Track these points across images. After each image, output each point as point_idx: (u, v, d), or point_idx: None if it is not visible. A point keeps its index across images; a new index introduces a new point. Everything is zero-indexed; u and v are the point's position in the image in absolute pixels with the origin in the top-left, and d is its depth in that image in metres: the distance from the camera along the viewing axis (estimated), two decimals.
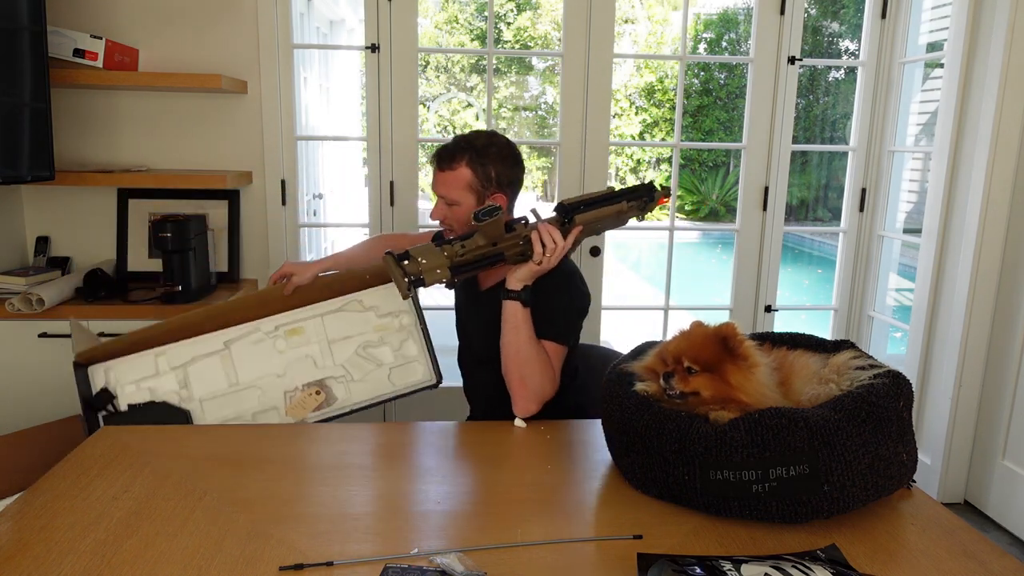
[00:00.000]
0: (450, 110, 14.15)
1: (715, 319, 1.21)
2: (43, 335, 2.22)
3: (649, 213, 1.57)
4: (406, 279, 1.34)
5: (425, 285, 1.36)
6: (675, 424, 1.08)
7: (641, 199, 1.52)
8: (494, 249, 1.40)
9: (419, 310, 1.82)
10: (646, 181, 1.55)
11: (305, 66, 3.32)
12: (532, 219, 1.47)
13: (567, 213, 1.44)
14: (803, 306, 7.53)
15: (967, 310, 2.48)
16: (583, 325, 1.67)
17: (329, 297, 1.82)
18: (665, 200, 1.57)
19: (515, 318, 1.46)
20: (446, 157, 1.58)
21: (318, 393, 1.69)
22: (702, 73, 14.01)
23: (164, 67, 2.56)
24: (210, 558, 0.96)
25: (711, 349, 1.14)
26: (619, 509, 1.11)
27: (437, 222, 1.65)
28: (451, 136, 1.67)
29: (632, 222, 1.58)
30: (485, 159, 1.58)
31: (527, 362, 1.47)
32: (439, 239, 1.44)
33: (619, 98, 13.70)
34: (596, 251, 2.89)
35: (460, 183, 1.57)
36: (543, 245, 1.41)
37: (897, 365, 1.26)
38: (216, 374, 1.70)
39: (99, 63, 2.33)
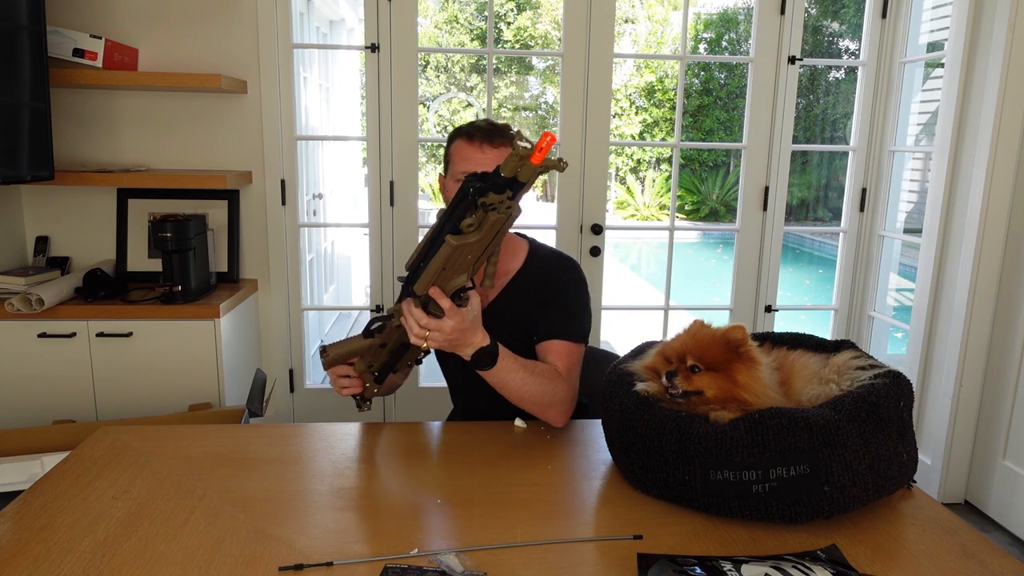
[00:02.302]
0: (450, 110, 14.16)
1: (715, 319, 1.20)
2: (42, 335, 2.23)
3: (535, 174, 1.06)
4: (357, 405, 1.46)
5: (366, 398, 1.45)
6: (675, 424, 1.08)
7: (471, 200, 1.10)
8: (386, 349, 1.35)
9: None
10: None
11: (305, 66, 3.32)
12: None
13: (409, 285, 1.22)
14: (803, 306, 7.53)
15: (967, 310, 2.48)
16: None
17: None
18: (537, 154, 1.02)
19: (494, 379, 1.32)
20: (496, 133, 1.48)
21: None
22: (702, 73, 14.02)
23: (164, 67, 2.56)
24: (210, 558, 0.96)
25: (717, 349, 1.14)
26: (619, 509, 1.11)
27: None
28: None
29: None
30: None
31: (537, 398, 1.37)
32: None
33: (619, 98, 13.72)
34: (596, 251, 2.89)
35: None
36: (413, 328, 1.24)
37: (897, 365, 1.26)
38: None
39: (99, 63, 2.33)
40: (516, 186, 1.09)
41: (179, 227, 2.28)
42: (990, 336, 2.51)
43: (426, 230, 1.90)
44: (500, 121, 1.53)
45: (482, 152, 1.45)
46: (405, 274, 1.24)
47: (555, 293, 1.51)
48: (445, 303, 1.19)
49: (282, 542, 1.00)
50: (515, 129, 1.22)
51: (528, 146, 1.04)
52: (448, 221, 1.14)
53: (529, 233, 1.70)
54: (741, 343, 1.13)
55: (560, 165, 1.08)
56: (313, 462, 1.27)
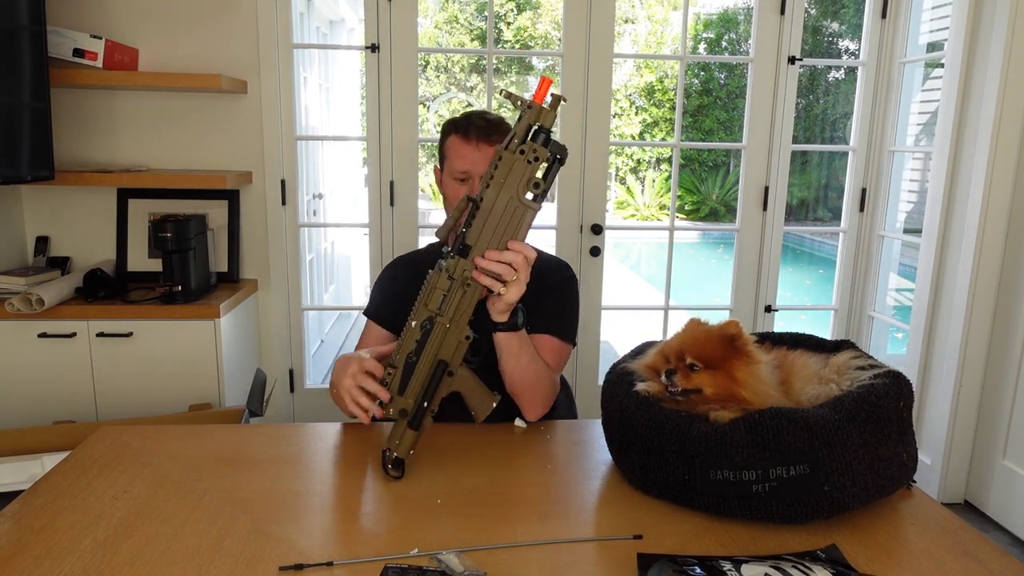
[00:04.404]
0: (450, 110, 14.16)
1: (715, 319, 1.20)
2: (43, 335, 2.23)
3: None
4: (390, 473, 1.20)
5: (405, 457, 1.20)
6: (675, 424, 1.08)
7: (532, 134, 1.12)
8: (424, 368, 1.18)
9: None
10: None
11: (305, 66, 3.32)
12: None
13: (463, 244, 1.16)
14: (803, 306, 7.53)
15: (967, 310, 2.48)
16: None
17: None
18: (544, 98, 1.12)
19: (511, 348, 1.32)
20: (492, 128, 1.41)
21: None
22: (702, 73, 14.02)
23: (164, 67, 2.56)
24: (210, 558, 0.96)
25: (714, 346, 1.14)
26: (619, 509, 1.11)
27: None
28: None
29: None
30: None
31: (534, 382, 1.38)
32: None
33: (619, 98, 13.71)
34: (596, 251, 2.89)
35: None
36: (495, 275, 1.16)
37: (897, 365, 1.26)
38: None
39: (99, 63, 2.33)
40: (546, 133, 1.12)
41: (179, 227, 2.28)
42: (990, 336, 2.51)
43: (427, 229, 1.80)
44: (494, 114, 1.49)
45: (478, 150, 1.41)
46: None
47: (553, 290, 1.51)
48: (518, 244, 1.15)
49: (282, 542, 1.00)
50: (503, 93, 1.16)
51: (526, 97, 1.11)
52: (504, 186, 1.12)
53: (530, 233, 1.69)
54: (736, 337, 1.13)
55: (560, 98, 1.12)
56: (313, 462, 1.27)
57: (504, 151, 1.12)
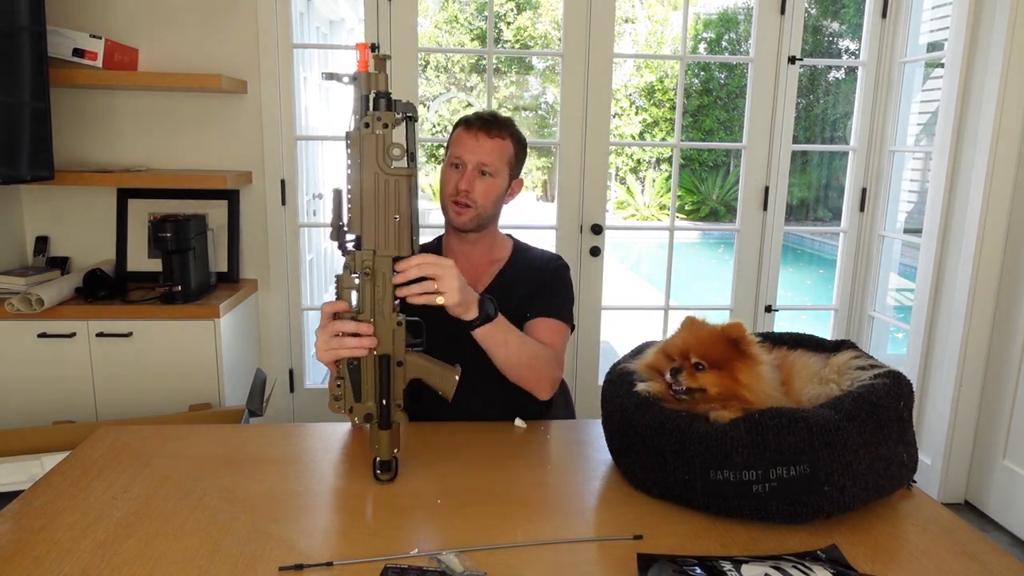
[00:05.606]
0: (450, 110, 14.15)
1: (715, 319, 1.20)
2: (42, 335, 2.23)
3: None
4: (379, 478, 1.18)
5: (389, 458, 1.17)
6: (675, 424, 1.08)
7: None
8: (368, 369, 1.15)
9: None
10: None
11: (305, 66, 3.32)
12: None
13: (342, 240, 1.14)
14: (804, 306, 7.53)
15: (967, 310, 2.48)
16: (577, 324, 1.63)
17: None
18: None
19: (495, 338, 1.31)
20: (495, 124, 1.47)
21: None
22: (702, 73, 14.02)
23: (164, 67, 2.56)
24: (210, 558, 0.96)
25: (719, 347, 1.14)
26: (619, 509, 1.11)
27: (459, 191, 1.45)
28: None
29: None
30: (520, 140, 1.53)
31: (531, 361, 1.38)
32: None
33: (619, 98, 13.71)
34: (596, 251, 2.89)
35: (505, 154, 1.49)
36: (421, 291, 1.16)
37: (897, 365, 1.26)
38: None
39: (99, 63, 2.33)
40: (385, 96, 1.09)
41: (179, 227, 2.28)
42: (990, 336, 2.51)
43: (427, 229, 1.81)
44: (503, 115, 1.53)
45: (477, 140, 1.46)
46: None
47: (546, 282, 1.55)
48: (414, 259, 1.13)
49: (282, 542, 1.00)
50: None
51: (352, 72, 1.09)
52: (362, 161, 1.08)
53: (530, 233, 1.71)
54: (741, 339, 1.13)
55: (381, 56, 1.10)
56: (313, 462, 1.27)
57: (350, 131, 1.09)
